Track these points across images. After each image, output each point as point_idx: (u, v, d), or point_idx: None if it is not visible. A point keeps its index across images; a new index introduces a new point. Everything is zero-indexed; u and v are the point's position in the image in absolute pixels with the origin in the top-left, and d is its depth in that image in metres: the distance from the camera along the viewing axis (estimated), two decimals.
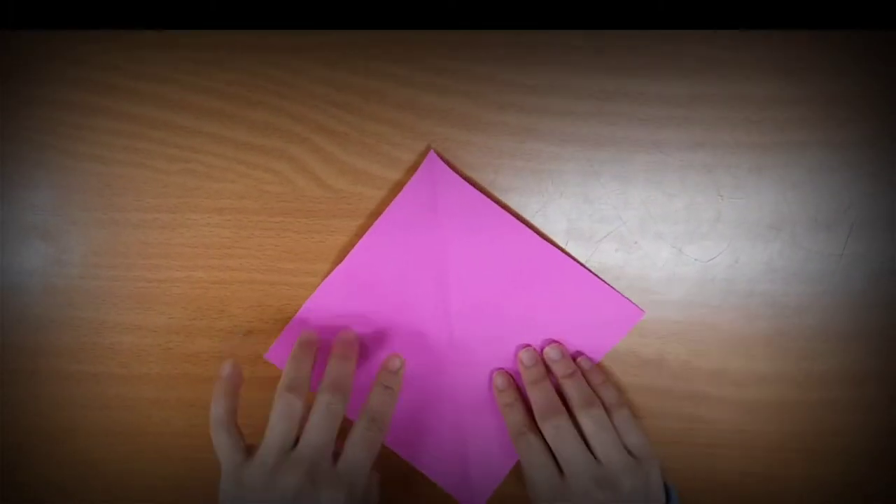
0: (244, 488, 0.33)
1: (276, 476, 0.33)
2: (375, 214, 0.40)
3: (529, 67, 0.39)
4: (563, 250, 0.40)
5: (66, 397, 0.43)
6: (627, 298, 0.41)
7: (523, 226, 0.40)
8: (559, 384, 0.40)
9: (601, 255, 0.40)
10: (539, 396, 0.39)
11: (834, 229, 0.40)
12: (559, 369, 0.40)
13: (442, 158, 0.39)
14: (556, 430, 0.37)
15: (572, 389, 0.39)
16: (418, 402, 0.42)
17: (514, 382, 0.41)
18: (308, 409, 0.35)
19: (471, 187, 0.39)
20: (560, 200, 0.40)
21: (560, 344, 0.41)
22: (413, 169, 0.39)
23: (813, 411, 0.42)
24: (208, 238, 0.41)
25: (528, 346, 0.41)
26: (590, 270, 0.40)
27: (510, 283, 0.40)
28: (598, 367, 0.41)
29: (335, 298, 0.41)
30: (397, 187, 0.40)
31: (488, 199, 0.39)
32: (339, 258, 0.40)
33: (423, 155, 0.39)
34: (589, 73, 0.39)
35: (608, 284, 0.41)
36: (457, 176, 0.39)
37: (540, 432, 0.38)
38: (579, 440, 0.37)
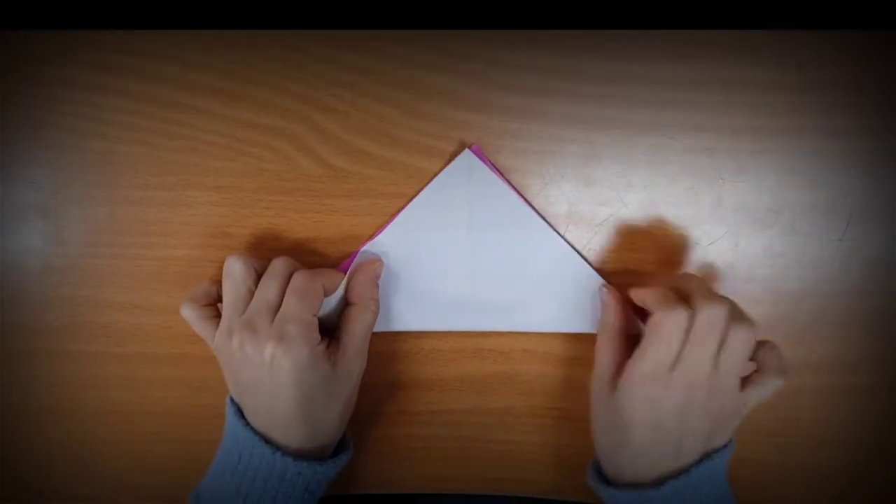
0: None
1: (231, 337, 0.35)
2: (375, 194, 0.40)
3: (533, 50, 0.39)
4: (587, 260, 0.40)
5: (63, 376, 0.42)
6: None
7: (551, 229, 0.40)
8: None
9: (602, 237, 0.40)
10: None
11: (833, 215, 0.40)
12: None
13: (480, 156, 0.39)
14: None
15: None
16: None
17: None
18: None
19: (506, 186, 0.39)
20: (561, 182, 0.40)
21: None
22: (414, 150, 0.40)
23: (811, 397, 0.42)
24: (208, 216, 0.40)
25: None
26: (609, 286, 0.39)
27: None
28: None
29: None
30: (397, 166, 0.40)
31: (522, 200, 0.39)
32: (339, 237, 0.40)
33: (426, 134, 0.39)
34: (592, 55, 0.39)
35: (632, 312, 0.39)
36: (493, 175, 0.39)
37: None
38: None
